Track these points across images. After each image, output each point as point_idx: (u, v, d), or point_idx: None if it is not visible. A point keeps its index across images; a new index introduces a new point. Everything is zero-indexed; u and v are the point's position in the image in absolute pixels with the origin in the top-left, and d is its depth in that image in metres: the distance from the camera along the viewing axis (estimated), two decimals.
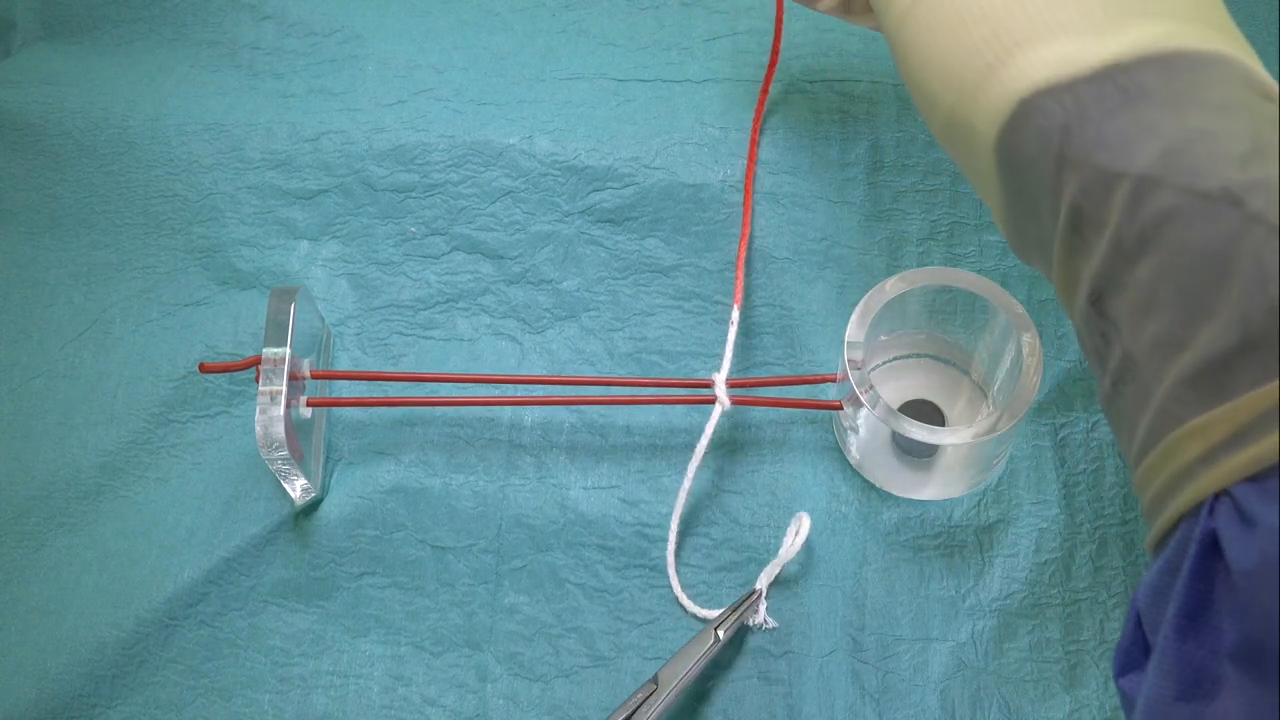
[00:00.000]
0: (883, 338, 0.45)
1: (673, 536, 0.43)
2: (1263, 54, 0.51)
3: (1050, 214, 0.22)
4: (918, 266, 0.47)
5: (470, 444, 0.46)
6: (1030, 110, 0.22)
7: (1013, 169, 0.23)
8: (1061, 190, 0.22)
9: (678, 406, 0.46)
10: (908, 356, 0.46)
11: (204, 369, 0.43)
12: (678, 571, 0.43)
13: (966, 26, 0.23)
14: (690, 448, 0.43)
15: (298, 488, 0.43)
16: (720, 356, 0.44)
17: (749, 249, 0.47)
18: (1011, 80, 0.22)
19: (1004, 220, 0.26)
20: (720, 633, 0.40)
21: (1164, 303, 0.22)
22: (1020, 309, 0.41)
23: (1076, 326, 0.25)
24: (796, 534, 0.41)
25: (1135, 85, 0.22)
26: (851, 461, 0.44)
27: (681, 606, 0.43)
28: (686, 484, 0.43)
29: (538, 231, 0.49)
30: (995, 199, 0.24)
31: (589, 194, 0.49)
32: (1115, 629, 0.41)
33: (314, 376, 0.44)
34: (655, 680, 0.39)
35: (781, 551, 0.42)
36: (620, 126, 0.50)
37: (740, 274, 0.45)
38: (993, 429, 0.39)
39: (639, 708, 0.39)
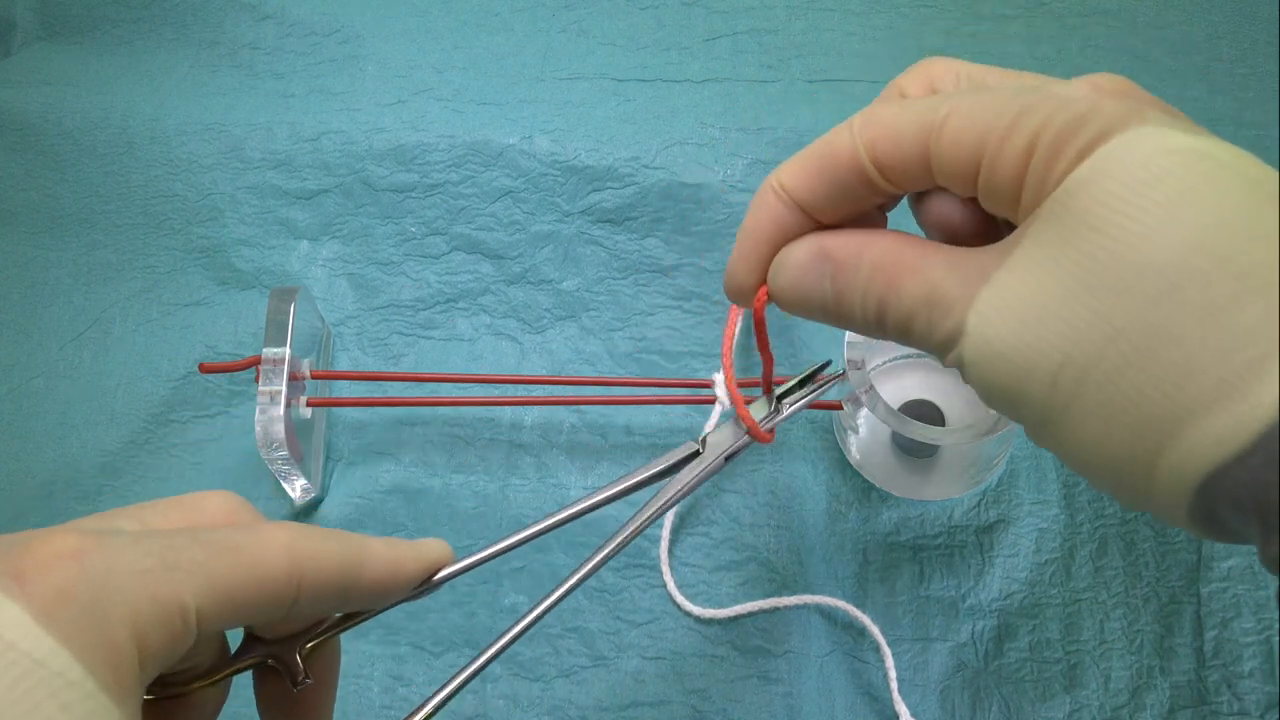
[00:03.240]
0: None
1: (665, 535, 0.43)
2: (1263, 54, 0.51)
3: (1261, 548, 0.22)
4: None
5: (470, 444, 0.46)
6: (1209, 495, 0.21)
7: (1215, 533, 0.22)
8: (1268, 543, 0.21)
9: (678, 406, 0.46)
10: (908, 356, 0.46)
11: (204, 369, 0.43)
12: (676, 571, 0.43)
13: (1102, 438, 0.22)
14: None
15: (298, 488, 0.43)
16: (720, 356, 0.44)
17: None
18: (1177, 478, 0.21)
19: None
20: (783, 405, 0.35)
21: None
22: None
23: None
24: None
25: None
26: (851, 461, 0.44)
27: (679, 607, 0.43)
28: (683, 484, 0.43)
29: (538, 231, 0.49)
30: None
31: (589, 194, 0.49)
32: (1115, 629, 0.41)
33: (314, 376, 0.44)
34: (701, 442, 0.35)
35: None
36: (620, 126, 0.50)
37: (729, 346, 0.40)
38: (993, 429, 0.39)
39: (682, 463, 0.35)
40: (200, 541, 0.24)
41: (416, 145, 0.49)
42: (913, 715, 0.40)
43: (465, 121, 0.50)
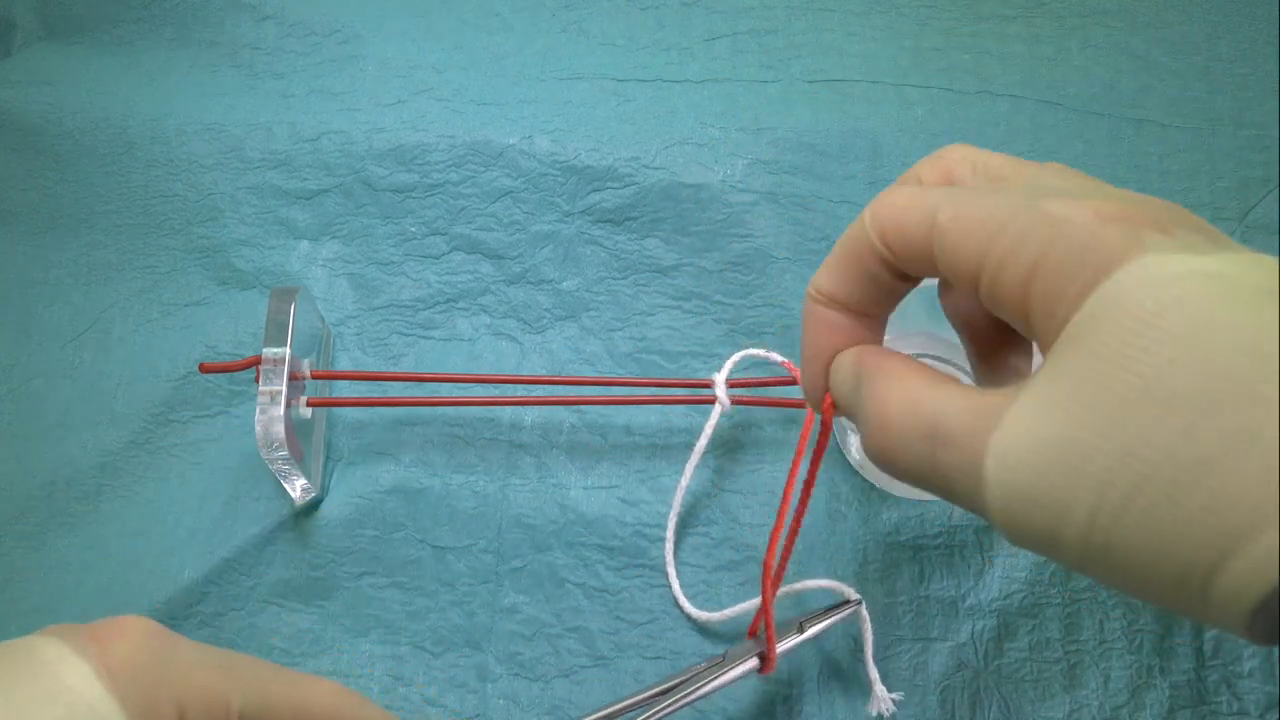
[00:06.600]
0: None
1: (670, 536, 0.43)
2: (1262, 54, 0.51)
3: None
4: None
5: (470, 444, 0.46)
6: (1265, 617, 0.21)
7: (1269, 641, 0.22)
8: None
9: (678, 406, 0.46)
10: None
11: (204, 369, 0.43)
12: (677, 571, 0.43)
13: (1146, 570, 0.22)
14: (690, 447, 0.43)
15: (298, 488, 0.43)
16: (721, 356, 0.44)
17: (748, 248, 0.47)
18: (1231, 603, 0.21)
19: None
20: (804, 627, 0.40)
21: None
22: None
23: None
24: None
25: None
26: (851, 462, 0.44)
27: (679, 607, 0.43)
28: (684, 483, 0.43)
29: (538, 231, 0.49)
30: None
31: (589, 194, 0.49)
32: (1115, 629, 0.41)
33: (314, 376, 0.44)
34: (724, 655, 0.40)
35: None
36: (620, 126, 0.50)
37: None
38: None
39: (705, 672, 0.39)
40: (261, 664, 0.28)
41: (416, 145, 0.49)
42: (913, 715, 0.40)
43: (465, 121, 0.50)
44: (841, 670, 0.42)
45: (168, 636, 0.27)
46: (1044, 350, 0.24)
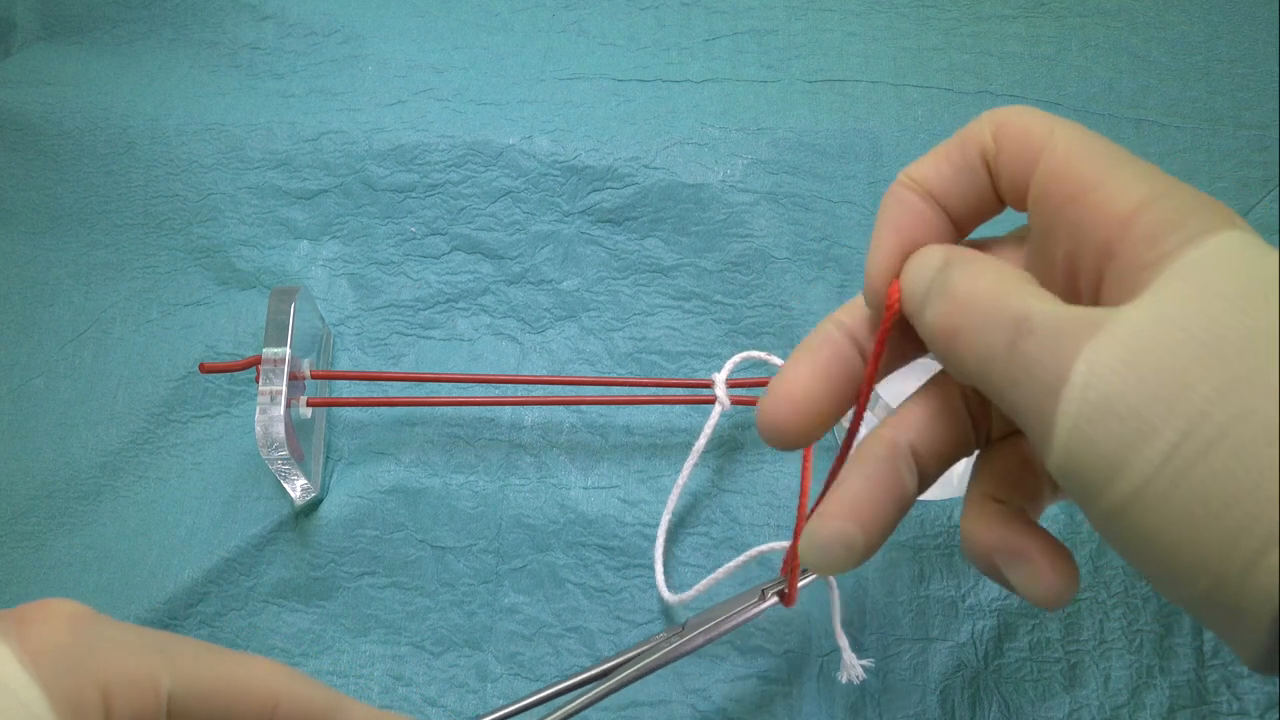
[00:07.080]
0: None
1: (661, 534, 0.43)
2: (1262, 54, 0.51)
3: None
4: None
5: (470, 444, 0.46)
6: None
7: None
8: None
9: (678, 406, 0.46)
10: None
11: (204, 369, 0.43)
12: (671, 570, 0.43)
13: (1205, 520, 0.21)
14: (690, 447, 0.43)
15: (298, 488, 0.43)
16: (721, 356, 0.44)
17: (748, 248, 0.47)
18: (1264, 599, 0.20)
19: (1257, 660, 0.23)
20: (767, 594, 0.39)
21: None
22: None
23: None
24: None
25: None
26: None
27: (664, 602, 0.42)
28: (680, 483, 0.43)
29: (538, 231, 0.49)
30: (1253, 651, 0.22)
31: (589, 194, 0.49)
32: (1115, 629, 0.41)
33: (314, 376, 0.44)
34: (683, 626, 0.39)
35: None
36: (620, 126, 0.50)
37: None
38: None
39: (664, 640, 0.38)
40: (197, 644, 0.28)
41: (416, 145, 0.49)
42: (913, 715, 0.40)
43: (465, 121, 0.50)
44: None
45: (94, 619, 0.26)
46: (1114, 283, 0.24)
